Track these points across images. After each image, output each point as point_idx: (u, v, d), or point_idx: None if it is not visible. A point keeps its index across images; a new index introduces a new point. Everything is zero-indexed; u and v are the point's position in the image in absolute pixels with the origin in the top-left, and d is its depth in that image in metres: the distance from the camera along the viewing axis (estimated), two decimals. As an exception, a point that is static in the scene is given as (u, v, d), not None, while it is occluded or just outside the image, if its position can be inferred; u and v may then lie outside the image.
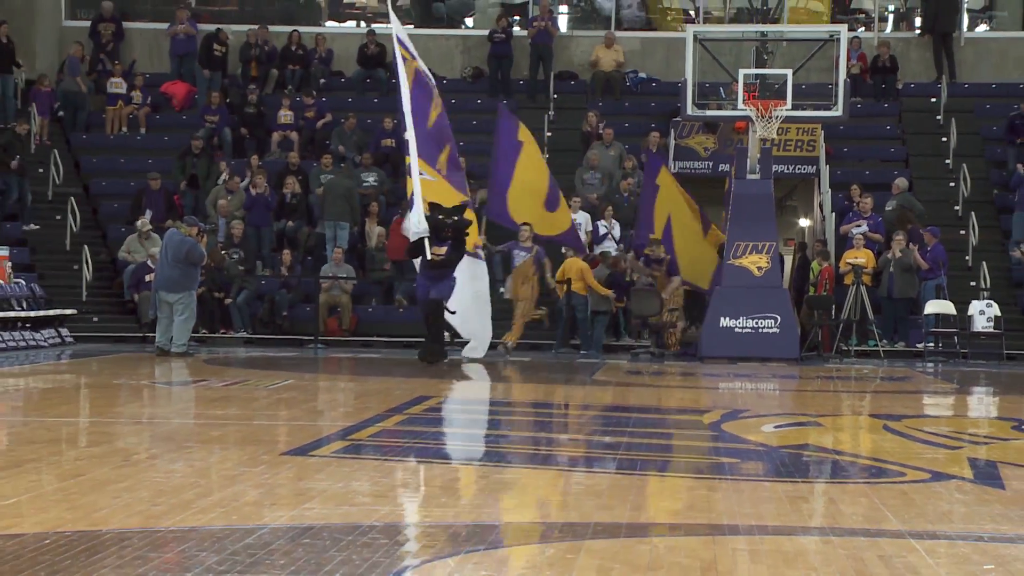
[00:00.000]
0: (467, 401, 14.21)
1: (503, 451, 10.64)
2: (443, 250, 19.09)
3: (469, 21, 31.98)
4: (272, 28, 29.70)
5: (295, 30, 29.53)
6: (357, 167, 26.29)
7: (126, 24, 30.01)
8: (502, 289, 23.05)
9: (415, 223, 19.36)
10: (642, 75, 29.57)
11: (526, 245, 22.51)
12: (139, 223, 24.25)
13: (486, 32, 29.56)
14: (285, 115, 27.79)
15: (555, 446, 10.96)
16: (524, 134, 22.82)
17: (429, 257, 19.03)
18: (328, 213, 24.87)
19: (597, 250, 23.91)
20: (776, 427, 12.41)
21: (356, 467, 9.46)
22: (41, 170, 26.53)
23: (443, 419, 12.83)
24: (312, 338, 23.45)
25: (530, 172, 22.65)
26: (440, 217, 19.15)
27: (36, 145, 27.15)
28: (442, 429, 12.13)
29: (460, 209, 19.81)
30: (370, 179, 25.94)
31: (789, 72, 22.70)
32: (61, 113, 28.22)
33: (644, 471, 9.29)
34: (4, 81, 27.75)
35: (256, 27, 29.49)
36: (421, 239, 19.21)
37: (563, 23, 31.14)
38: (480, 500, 7.95)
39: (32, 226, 25.75)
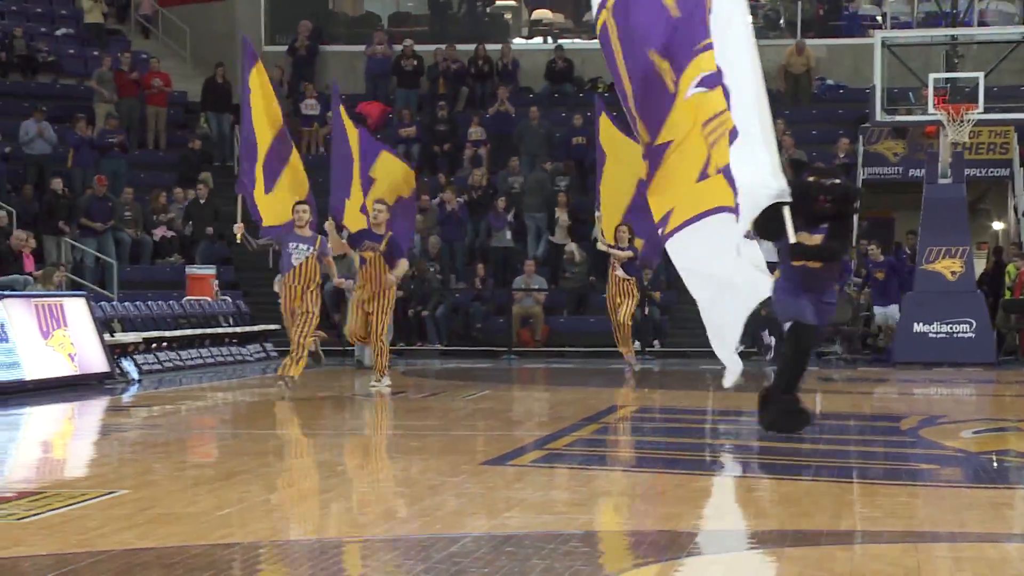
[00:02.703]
0: (660, 410, 14.25)
1: (698, 459, 10.70)
2: (817, 238, 11.07)
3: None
4: (460, 47, 30.07)
5: (480, 45, 29.83)
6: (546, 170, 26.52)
7: (322, 47, 30.71)
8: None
9: (756, 179, 10.53)
10: (829, 81, 29.29)
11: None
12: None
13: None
14: (475, 131, 28.12)
15: (750, 453, 10.97)
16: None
17: (793, 240, 10.79)
18: (526, 206, 25.61)
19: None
20: (975, 432, 12.25)
21: (554, 476, 9.60)
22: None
23: (638, 428, 12.90)
24: (505, 349, 23.73)
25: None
26: (812, 179, 11.08)
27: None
28: (637, 438, 12.20)
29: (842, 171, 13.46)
30: (562, 184, 26.17)
31: (981, 75, 22.31)
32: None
33: (841, 478, 9.28)
34: (219, 120, 28.60)
35: (444, 46, 29.93)
36: (775, 206, 10.66)
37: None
38: (677, 508, 8.01)
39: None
